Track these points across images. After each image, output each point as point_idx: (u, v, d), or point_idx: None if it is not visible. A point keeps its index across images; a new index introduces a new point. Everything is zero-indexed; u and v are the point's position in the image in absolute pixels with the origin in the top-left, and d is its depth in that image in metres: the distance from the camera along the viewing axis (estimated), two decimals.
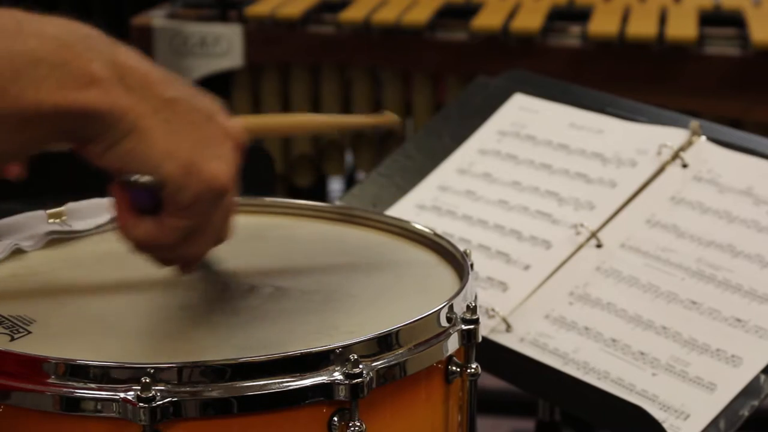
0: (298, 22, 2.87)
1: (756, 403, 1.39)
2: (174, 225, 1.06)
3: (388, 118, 1.43)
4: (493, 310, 1.56)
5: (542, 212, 1.68)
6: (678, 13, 2.82)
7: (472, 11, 2.86)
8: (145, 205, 1.07)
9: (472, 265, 1.25)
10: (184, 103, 1.05)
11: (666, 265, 1.55)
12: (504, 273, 1.61)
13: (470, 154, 1.80)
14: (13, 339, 1.11)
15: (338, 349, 1.06)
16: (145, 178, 1.04)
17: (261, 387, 1.03)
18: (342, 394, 1.05)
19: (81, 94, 0.99)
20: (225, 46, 2.90)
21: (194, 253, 1.11)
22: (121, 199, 1.08)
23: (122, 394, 1.02)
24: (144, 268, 1.17)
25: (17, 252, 1.32)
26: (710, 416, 1.38)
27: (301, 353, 1.05)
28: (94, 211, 1.38)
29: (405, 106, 2.89)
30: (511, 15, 2.81)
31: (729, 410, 1.38)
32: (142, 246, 1.09)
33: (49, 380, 1.03)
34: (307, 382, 1.04)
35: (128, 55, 1.04)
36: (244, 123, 1.15)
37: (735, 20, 2.73)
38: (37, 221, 1.35)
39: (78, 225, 1.37)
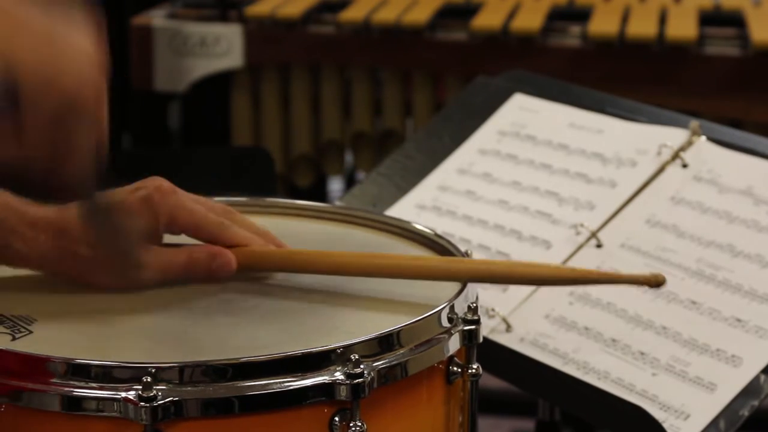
0: (298, 22, 2.87)
1: (756, 403, 1.39)
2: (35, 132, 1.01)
3: None
4: (493, 310, 1.56)
5: (542, 212, 1.68)
6: (678, 13, 2.82)
7: (472, 11, 2.86)
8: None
9: None
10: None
11: (666, 265, 1.55)
12: None
13: (470, 154, 1.81)
14: (14, 338, 1.11)
15: (339, 349, 1.06)
16: None
17: (262, 387, 1.03)
18: (343, 394, 1.05)
19: None
20: (225, 46, 2.90)
21: (69, 174, 1.05)
22: None
23: (123, 394, 1.02)
24: None
25: None
26: (710, 416, 1.38)
27: (302, 353, 1.05)
28: None
29: (405, 106, 2.89)
30: (511, 15, 2.81)
31: (729, 410, 1.38)
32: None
33: (51, 380, 1.03)
34: (308, 382, 1.05)
35: None
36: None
37: (735, 20, 2.74)
38: None
39: None
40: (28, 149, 1.03)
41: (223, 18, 2.93)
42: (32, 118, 1.02)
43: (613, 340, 1.50)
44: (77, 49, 1.04)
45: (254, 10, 2.92)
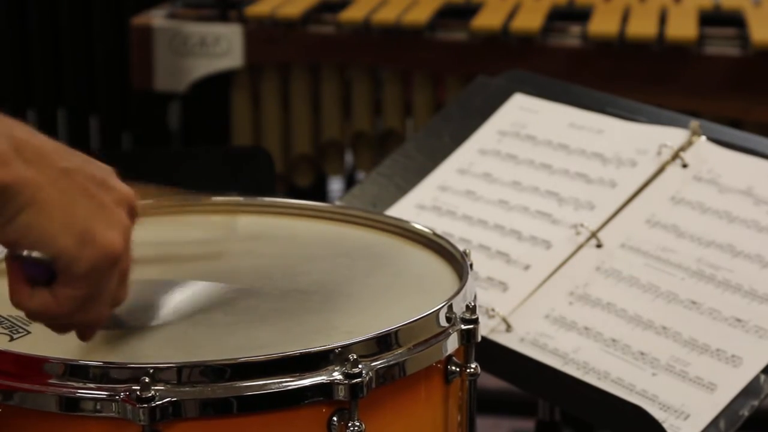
0: (298, 22, 2.87)
1: (756, 403, 1.39)
2: (68, 295, 1.05)
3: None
4: (493, 310, 1.56)
5: (542, 212, 1.68)
6: (678, 13, 2.82)
7: (472, 11, 2.86)
8: (38, 278, 1.06)
9: (471, 265, 1.25)
10: (78, 172, 1.05)
11: (666, 265, 1.55)
12: (504, 273, 1.61)
13: (470, 154, 1.80)
14: (12, 339, 1.11)
15: (338, 349, 1.06)
16: (37, 254, 1.03)
17: (260, 387, 1.03)
18: (341, 394, 1.05)
19: None
20: (225, 46, 2.90)
21: (90, 320, 1.09)
22: (14, 272, 1.07)
23: (122, 394, 1.02)
24: (144, 268, 1.17)
25: None
26: (710, 416, 1.38)
27: (301, 353, 1.05)
28: None
29: (405, 106, 2.89)
30: (511, 15, 2.81)
31: (729, 410, 1.38)
32: (37, 317, 1.08)
33: (49, 380, 1.03)
34: (307, 382, 1.05)
35: (23, 129, 1.04)
36: None
37: (735, 20, 2.73)
38: None
39: None
40: (59, 300, 1.06)
41: (223, 18, 2.93)
42: (67, 275, 1.05)
43: (613, 340, 1.49)
44: (115, 201, 1.07)
45: (254, 10, 2.92)
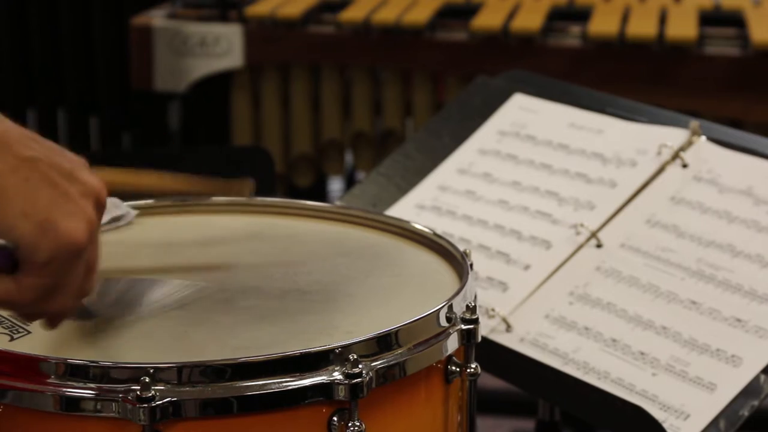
0: (298, 22, 2.87)
1: (756, 403, 1.39)
2: (31, 284, 1.04)
3: (241, 186, 1.35)
4: (493, 310, 1.56)
5: (542, 212, 1.68)
6: (678, 13, 2.82)
7: (472, 11, 2.86)
8: (1, 266, 1.05)
9: (471, 265, 1.25)
10: (43, 161, 1.04)
11: (666, 265, 1.55)
12: (504, 273, 1.61)
13: (470, 154, 1.80)
14: (12, 339, 1.11)
15: (338, 349, 1.06)
16: None
17: (261, 387, 1.03)
18: (341, 394, 1.05)
19: None
20: (225, 46, 2.90)
21: (54, 310, 1.08)
22: None
23: (122, 394, 1.02)
24: (144, 268, 1.17)
25: None
26: (710, 416, 1.38)
27: (301, 353, 1.05)
28: None
29: (405, 106, 2.89)
30: (511, 15, 2.81)
31: (729, 410, 1.38)
32: (0, 304, 1.08)
33: (49, 380, 1.03)
34: (307, 382, 1.05)
35: None
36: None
37: (735, 20, 2.74)
38: None
39: None
40: (22, 288, 1.05)
41: (223, 18, 2.93)
42: (29, 264, 1.04)
43: (613, 340, 1.49)
44: (81, 192, 1.06)
45: (254, 10, 2.92)
